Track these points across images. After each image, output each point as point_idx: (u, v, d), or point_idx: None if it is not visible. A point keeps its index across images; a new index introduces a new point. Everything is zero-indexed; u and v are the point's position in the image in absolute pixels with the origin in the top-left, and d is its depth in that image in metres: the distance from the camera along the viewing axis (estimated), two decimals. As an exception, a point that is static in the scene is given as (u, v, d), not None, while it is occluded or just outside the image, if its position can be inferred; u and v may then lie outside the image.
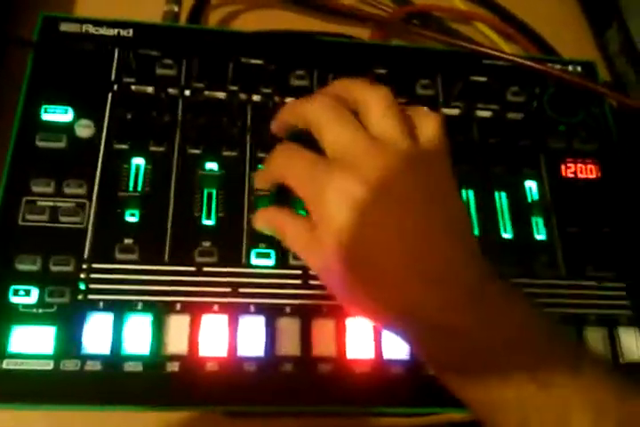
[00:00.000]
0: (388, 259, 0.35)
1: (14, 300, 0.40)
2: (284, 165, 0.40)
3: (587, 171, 0.51)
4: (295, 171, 0.38)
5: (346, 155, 0.36)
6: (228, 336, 0.41)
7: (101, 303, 0.40)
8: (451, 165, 0.38)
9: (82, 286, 0.41)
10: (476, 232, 0.47)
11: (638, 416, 0.33)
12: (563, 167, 0.50)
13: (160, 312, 0.41)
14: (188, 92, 0.48)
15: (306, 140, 0.40)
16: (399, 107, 0.39)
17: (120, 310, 0.41)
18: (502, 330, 0.34)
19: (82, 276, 0.41)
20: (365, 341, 0.42)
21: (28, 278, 0.40)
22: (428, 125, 0.38)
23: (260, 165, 0.46)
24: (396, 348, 0.42)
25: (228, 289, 0.42)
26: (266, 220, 0.41)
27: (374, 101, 0.38)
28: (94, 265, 0.41)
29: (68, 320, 0.40)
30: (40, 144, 0.44)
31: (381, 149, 0.36)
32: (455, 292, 0.34)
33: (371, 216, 0.35)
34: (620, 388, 0.33)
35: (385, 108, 0.38)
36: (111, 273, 0.41)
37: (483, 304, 0.34)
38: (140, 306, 0.41)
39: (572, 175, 0.50)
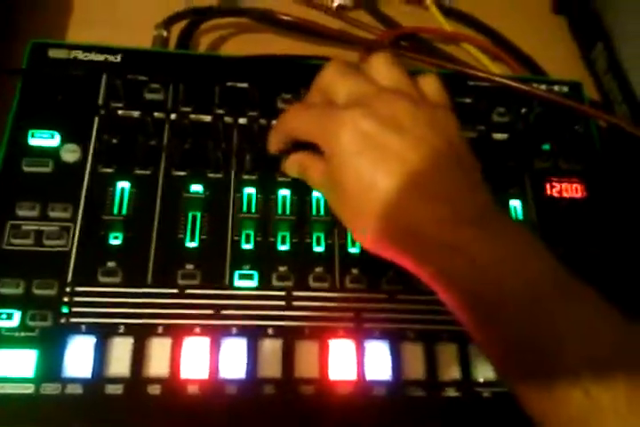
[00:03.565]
0: (390, 183, 0.36)
1: (-4, 323, 0.40)
2: (293, 117, 0.42)
3: (572, 190, 0.51)
4: (305, 118, 0.41)
5: (357, 99, 0.38)
6: (210, 358, 0.41)
7: (83, 327, 0.41)
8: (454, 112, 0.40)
9: (64, 310, 0.41)
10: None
11: None
12: (548, 186, 0.50)
13: (142, 335, 0.41)
14: (174, 116, 0.49)
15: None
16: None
17: (102, 333, 0.41)
18: (506, 248, 0.35)
19: (65, 299, 0.41)
20: (348, 362, 0.42)
21: (10, 302, 0.40)
22: (430, 82, 0.41)
23: (244, 188, 0.47)
24: (379, 369, 0.42)
25: (211, 311, 0.42)
26: (295, 164, 0.43)
27: (377, 60, 0.41)
28: (77, 288, 0.42)
29: (50, 344, 0.40)
30: (26, 169, 0.45)
31: (391, 93, 0.38)
32: (463, 209, 0.35)
33: (378, 147, 0.36)
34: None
35: (390, 64, 0.40)
36: (94, 296, 0.42)
37: (488, 223, 0.35)
38: (122, 329, 0.41)
39: (557, 194, 0.50)
